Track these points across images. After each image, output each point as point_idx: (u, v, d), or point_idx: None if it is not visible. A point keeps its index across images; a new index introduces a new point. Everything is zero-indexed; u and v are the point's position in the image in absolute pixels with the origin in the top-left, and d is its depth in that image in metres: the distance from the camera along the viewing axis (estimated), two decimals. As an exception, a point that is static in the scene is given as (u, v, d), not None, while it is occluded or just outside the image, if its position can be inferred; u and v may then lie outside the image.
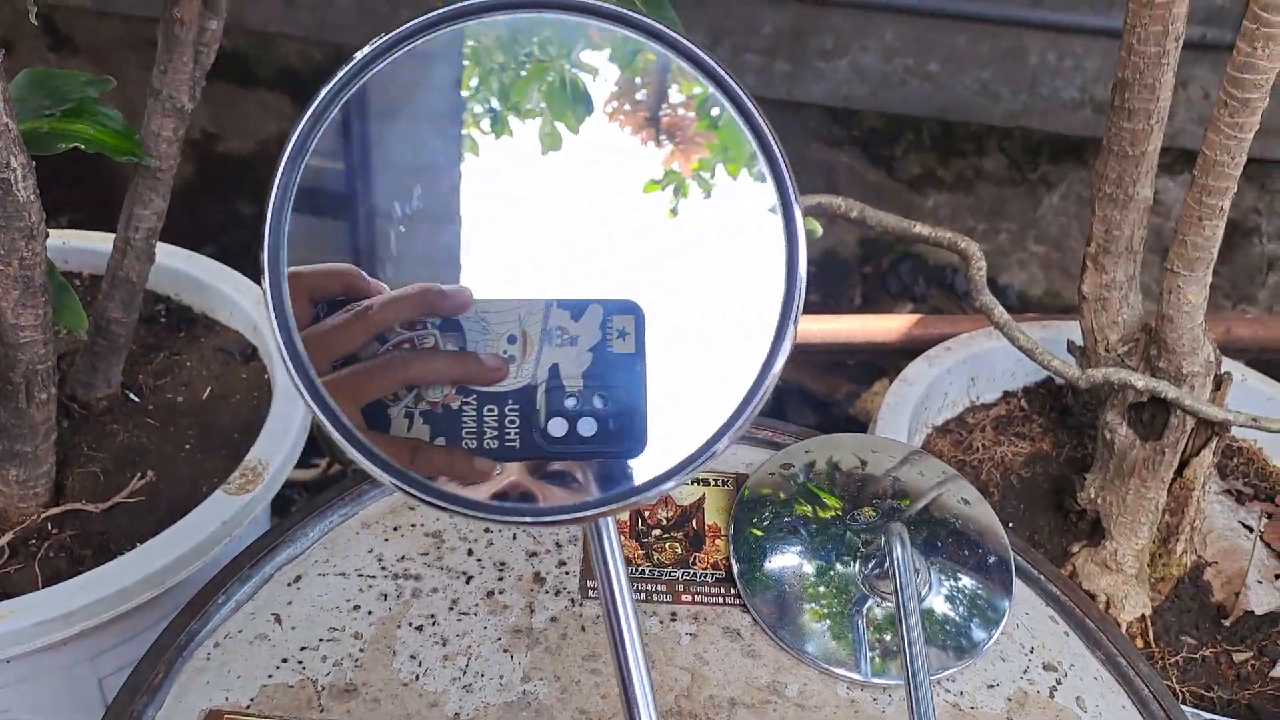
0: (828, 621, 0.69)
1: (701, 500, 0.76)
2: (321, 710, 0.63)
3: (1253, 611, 1.02)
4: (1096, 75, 2.22)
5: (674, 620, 0.69)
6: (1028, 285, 2.56)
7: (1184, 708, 0.78)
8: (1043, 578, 0.70)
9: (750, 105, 0.44)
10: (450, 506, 0.41)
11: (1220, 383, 1.00)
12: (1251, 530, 1.09)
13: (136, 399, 1.03)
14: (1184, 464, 1.00)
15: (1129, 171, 0.95)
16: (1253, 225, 2.49)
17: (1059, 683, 0.66)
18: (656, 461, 0.43)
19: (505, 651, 0.67)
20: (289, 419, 0.99)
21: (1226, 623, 1.02)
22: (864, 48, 2.28)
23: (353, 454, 0.41)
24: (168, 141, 0.89)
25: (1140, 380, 0.96)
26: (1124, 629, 1.01)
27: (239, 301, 1.10)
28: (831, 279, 2.55)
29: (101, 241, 1.12)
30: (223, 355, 1.08)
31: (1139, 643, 1.01)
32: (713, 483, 0.77)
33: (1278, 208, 2.46)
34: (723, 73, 0.44)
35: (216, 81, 2.40)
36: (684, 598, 0.70)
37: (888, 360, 1.64)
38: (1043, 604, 0.70)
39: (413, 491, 0.41)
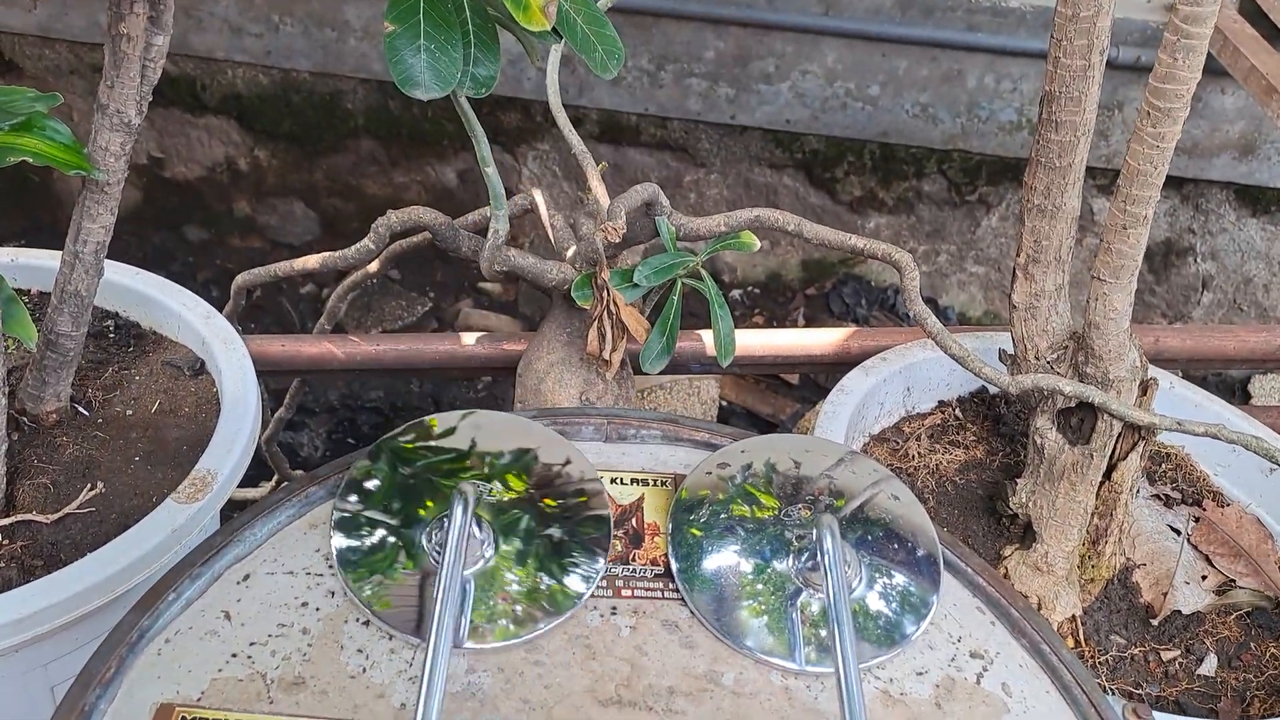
0: (764, 614, 0.71)
1: (641, 500, 0.78)
2: (271, 703, 0.64)
3: (1180, 611, 1.06)
4: (1033, 97, 2.27)
5: (614, 614, 0.71)
6: (967, 306, 2.61)
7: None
8: (970, 570, 0.73)
9: None
10: None
11: (1146, 388, 1.03)
12: (1179, 533, 1.13)
13: (86, 413, 1.04)
14: (1112, 468, 1.04)
15: (1056, 183, 0.99)
16: (1187, 245, 2.56)
17: (985, 670, 0.69)
18: None
19: (457, 649, 0.68)
20: (237, 431, 1.00)
21: (1155, 622, 1.05)
22: (805, 72, 2.33)
23: None
24: (115, 156, 0.90)
25: (1068, 386, 1.00)
26: (1055, 629, 1.04)
27: (187, 317, 1.11)
28: (775, 301, 2.59)
29: (50, 259, 1.13)
30: (171, 370, 1.09)
31: (1070, 642, 1.04)
32: (652, 483, 0.79)
33: (1211, 228, 2.53)
34: None
35: (163, 107, 2.41)
36: (624, 592, 0.72)
37: (831, 378, 1.67)
38: (970, 595, 0.73)
39: None
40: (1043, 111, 0.98)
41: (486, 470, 0.76)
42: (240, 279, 1.23)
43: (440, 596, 0.62)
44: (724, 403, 2.29)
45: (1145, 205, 0.94)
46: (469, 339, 1.30)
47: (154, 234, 2.50)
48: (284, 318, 2.37)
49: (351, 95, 2.41)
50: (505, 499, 0.74)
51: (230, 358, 1.07)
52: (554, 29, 1.01)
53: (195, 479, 0.95)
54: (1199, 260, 2.59)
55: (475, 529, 0.69)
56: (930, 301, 2.62)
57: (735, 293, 2.58)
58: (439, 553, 0.69)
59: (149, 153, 2.44)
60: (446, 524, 0.66)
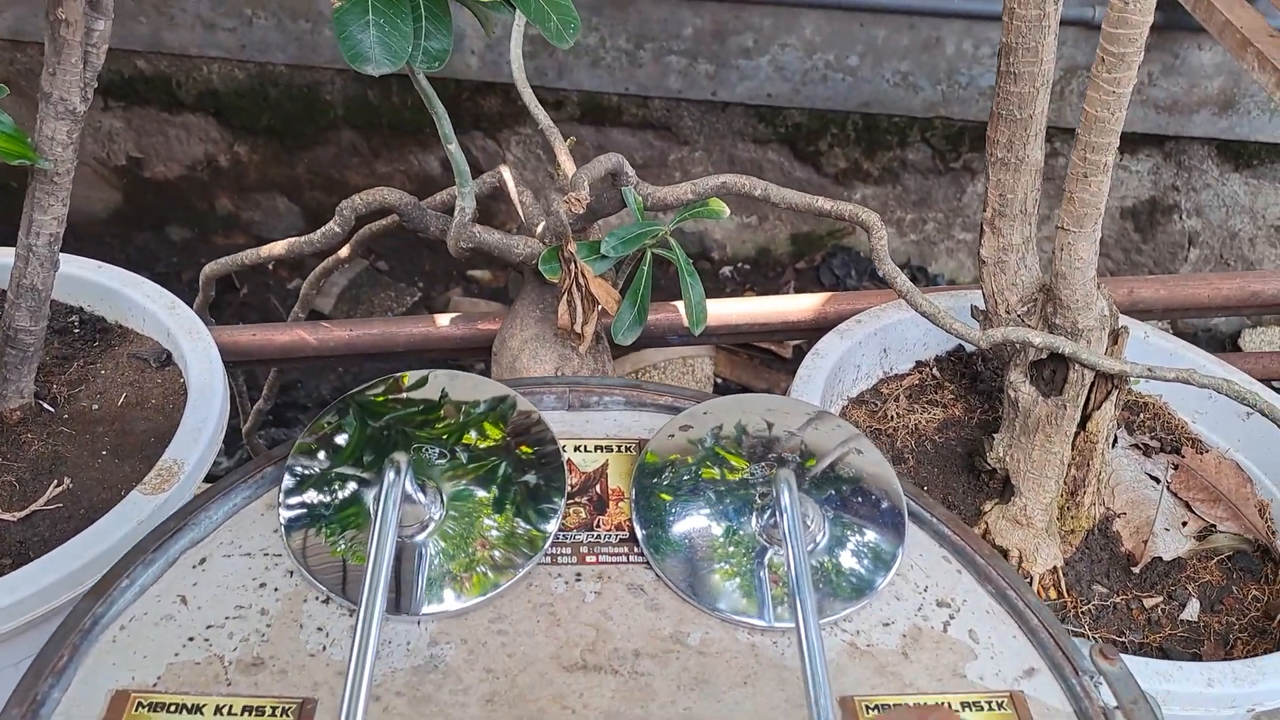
0: (730, 573, 0.70)
1: (605, 466, 0.77)
2: (229, 684, 0.64)
3: (1161, 558, 1.05)
4: (1010, 61, 2.26)
5: (579, 580, 0.70)
6: (956, 273, 2.60)
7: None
8: (935, 520, 0.72)
9: None
10: None
11: (1117, 337, 1.02)
12: (1158, 481, 1.12)
13: (51, 408, 1.03)
14: (1086, 418, 1.03)
15: (1018, 135, 0.98)
16: (1172, 203, 2.54)
17: (952, 618, 0.68)
18: None
19: (411, 617, 0.68)
20: (204, 420, 0.99)
21: (1136, 570, 1.05)
22: (784, 45, 2.32)
23: None
24: (62, 145, 0.90)
25: (1038, 337, 0.99)
26: (1036, 581, 1.03)
27: (151, 309, 1.11)
28: (765, 276, 2.58)
29: (6, 255, 1.12)
30: (137, 362, 1.08)
31: (1052, 593, 1.03)
32: (615, 449, 0.79)
33: (1195, 184, 2.52)
34: None
35: (139, 107, 2.40)
36: (588, 558, 0.72)
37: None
38: (936, 545, 0.72)
39: None
40: (1001, 64, 0.97)
41: (437, 431, 0.75)
42: (208, 269, 1.22)
43: (370, 566, 0.61)
44: (719, 380, 2.28)
45: (1105, 152, 0.94)
46: (443, 320, 1.30)
47: (136, 235, 2.49)
48: (272, 315, 2.36)
49: (329, 86, 2.40)
50: (455, 459, 0.73)
51: (196, 347, 1.06)
52: None
53: (162, 470, 0.94)
54: (1184, 217, 2.58)
55: (420, 494, 0.68)
56: (920, 270, 2.61)
57: (726, 269, 2.57)
58: None
59: (128, 153, 2.43)
60: (379, 490, 0.65)
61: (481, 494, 0.72)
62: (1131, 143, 2.36)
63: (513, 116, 2.42)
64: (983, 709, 0.62)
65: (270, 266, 2.42)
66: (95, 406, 1.05)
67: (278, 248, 1.19)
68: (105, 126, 2.37)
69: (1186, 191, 2.53)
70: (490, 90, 2.38)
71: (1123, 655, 0.92)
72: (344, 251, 1.28)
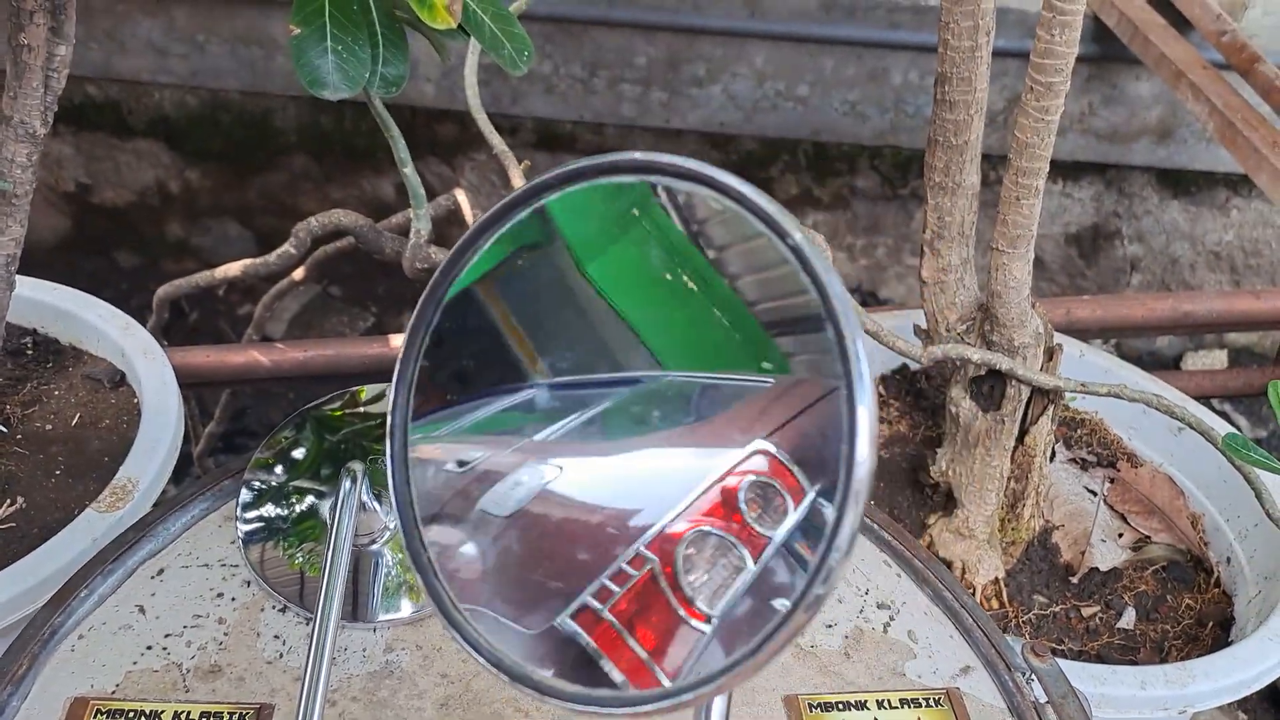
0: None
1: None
2: (187, 691, 0.65)
3: (1098, 568, 1.08)
4: (954, 91, 2.31)
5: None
6: (905, 297, 2.64)
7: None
8: (876, 527, 0.75)
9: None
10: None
11: (1052, 354, 1.06)
12: (1096, 494, 1.15)
13: (4, 429, 1.04)
14: (1024, 432, 1.06)
15: (955, 160, 1.01)
16: (1114, 229, 2.61)
17: (892, 619, 0.70)
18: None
19: (367, 625, 0.69)
20: (158, 439, 1.00)
21: (1074, 580, 1.08)
22: (736, 74, 2.36)
23: None
24: (21, 167, 0.91)
25: (976, 354, 1.02)
26: (979, 592, 1.06)
27: (105, 329, 1.11)
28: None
29: (-36, 277, 1.12)
30: (91, 383, 1.09)
31: (994, 603, 1.06)
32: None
33: (1136, 211, 2.58)
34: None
35: (88, 132, 2.39)
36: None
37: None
38: (877, 551, 0.75)
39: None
40: (937, 92, 1.00)
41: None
42: (162, 291, 1.23)
43: (326, 571, 0.63)
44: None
45: (1036, 177, 0.97)
46: (398, 340, 1.31)
47: (85, 261, 2.48)
48: (223, 340, 2.36)
49: (282, 113, 2.41)
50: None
51: (150, 367, 1.07)
52: (461, 27, 1.02)
53: (116, 488, 0.95)
54: (1126, 243, 2.64)
55: (375, 503, 0.70)
56: (871, 294, 2.65)
57: (676, 293, 2.60)
58: None
59: (77, 179, 2.42)
60: (334, 501, 0.67)
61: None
62: (1074, 170, 2.42)
63: (468, 143, 2.44)
64: (921, 705, 0.65)
65: (221, 292, 2.42)
66: (49, 427, 1.05)
67: (233, 269, 1.20)
68: (54, 153, 2.36)
69: (1128, 218, 2.59)
70: (446, 117, 2.40)
71: (1061, 661, 0.96)
72: (298, 274, 1.29)
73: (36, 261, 2.56)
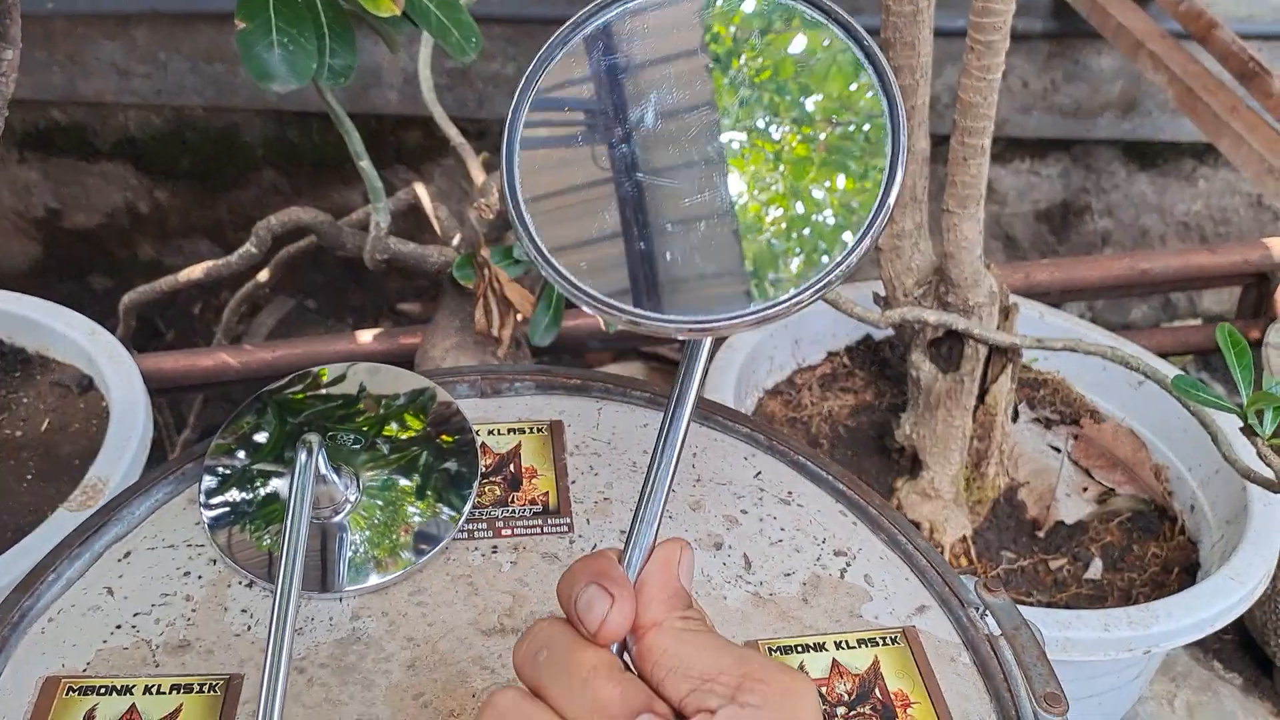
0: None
1: (518, 447, 0.80)
2: (157, 665, 0.66)
3: (1064, 522, 1.10)
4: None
5: (495, 552, 0.73)
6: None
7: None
8: (831, 478, 0.76)
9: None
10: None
11: (1008, 313, 1.08)
12: (1059, 451, 1.17)
13: (-26, 436, 1.04)
14: (985, 392, 1.08)
15: (903, 126, 1.03)
16: (1084, 204, 2.63)
17: (848, 565, 0.72)
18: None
19: (334, 595, 0.70)
20: (127, 438, 1.01)
21: (1041, 535, 1.09)
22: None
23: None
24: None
25: (932, 315, 1.04)
26: (947, 550, 1.07)
27: (71, 336, 1.12)
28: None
29: (-72, 290, 1.13)
30: (59, 389, 1.10)
31: (963, 561, 1.07)
32: (528, 430, 0.82)
33: (1104, 185, 2.61)
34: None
35: (55, 157, 2.40)
36: (504, 532, 0.75)
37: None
38: (833, 501, 0.76)
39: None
40: (882, 57, 1.02)
41: (357, 425, 0.77)
42: (127, 298, 1.24)
43: (286, 538, 0.64)
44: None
45: (981, 136, 0.99)
46: (366, 337, 1.32)
47: (58, 285, 2.48)
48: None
49: (248, 127, 2.41)
50: (367, 442, 0.76)
51: (117, 370, 1.08)
52: (406, 15, 1.04)
53: (86, 487, 0.96)
54: (1096, 218, 2.66)
55: (334, 475, 0.71)
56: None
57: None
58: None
59: (45, 204, 2.43)
60: (292, 474, 0.68)
61: (398, 477, 0.75)
62: (1040, 148, 2.44)
63: (434, 149, 2.45)
64: (878, 644, 0.66)
65: (197, 310, 2.42)
66: (19, 434, 1.06)
67: (196, 271, 1.21)
68: (22, 179, 2.37)
69: (1097, 193, 2.61)
70: (411, 124, 2.41)
71: (1026, 609, 0.97)
72: (264, 275, 1.30)
73: (9, 287, 2.56)
